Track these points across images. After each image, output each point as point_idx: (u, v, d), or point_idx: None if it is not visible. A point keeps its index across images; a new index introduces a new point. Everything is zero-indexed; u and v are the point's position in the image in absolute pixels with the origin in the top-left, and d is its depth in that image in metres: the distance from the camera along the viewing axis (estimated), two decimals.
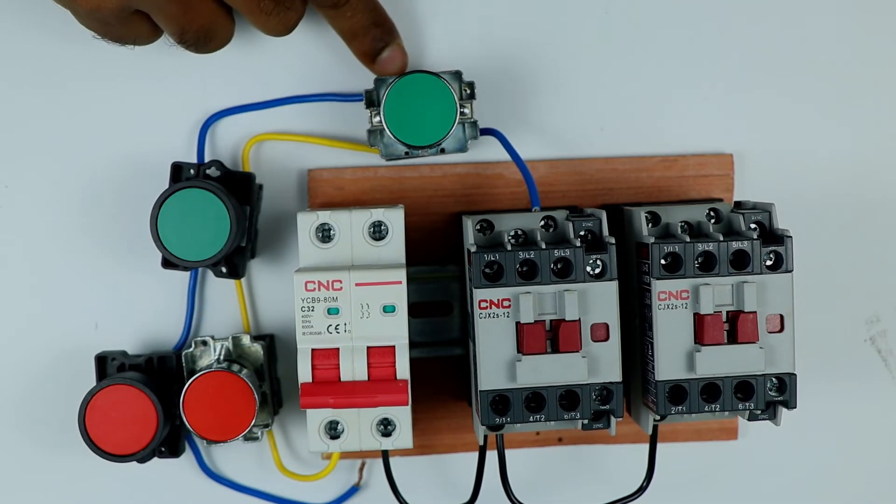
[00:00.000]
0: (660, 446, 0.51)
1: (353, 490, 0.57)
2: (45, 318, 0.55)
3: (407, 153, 0.50)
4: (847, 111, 0.57)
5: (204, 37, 0.49)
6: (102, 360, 0.54)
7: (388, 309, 0.48)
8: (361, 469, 0.57)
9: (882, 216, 0.58)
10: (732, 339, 0.48)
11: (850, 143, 0.57)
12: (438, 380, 0.56)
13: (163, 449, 0.54)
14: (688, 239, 0.48)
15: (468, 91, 0.51)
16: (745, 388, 0.48)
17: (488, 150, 0.55)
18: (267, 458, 0.56)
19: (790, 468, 0.59)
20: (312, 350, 0.48)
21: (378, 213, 0.50)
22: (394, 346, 0.48)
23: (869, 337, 0.59)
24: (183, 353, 0.53)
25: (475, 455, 0.51)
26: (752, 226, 0.49)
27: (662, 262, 0.48)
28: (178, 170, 0.52)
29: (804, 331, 0.50)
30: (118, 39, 0.49)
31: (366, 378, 0.48)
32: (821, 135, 0.57)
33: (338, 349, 0.48)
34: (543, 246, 0.47)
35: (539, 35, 0.55)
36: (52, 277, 0.55)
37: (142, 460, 0.52)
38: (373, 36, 0.52)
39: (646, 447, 0.51)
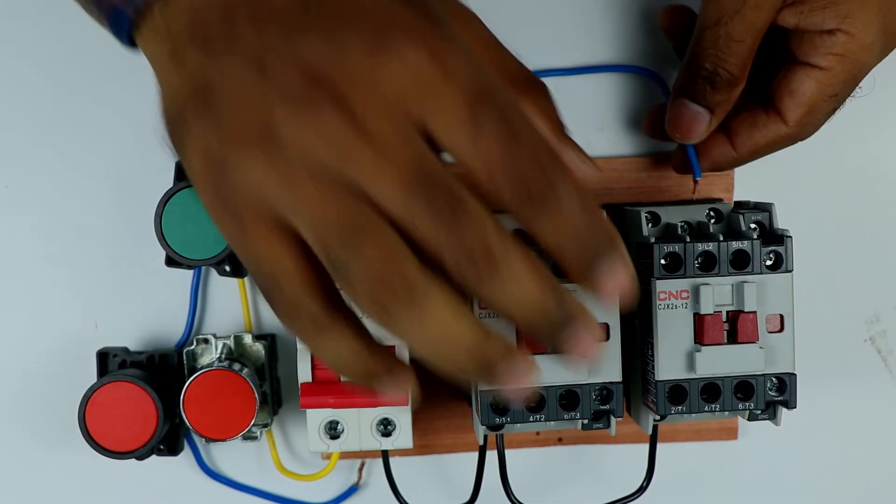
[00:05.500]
0: (660, 446, 0.51)
1: (353, 490, 0.57)
2: (47, 314, 0.55)
3: None
4: (847, 111, 0.57)
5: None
6: (104, 357, 0.54)
7: None
8: (361, 469, 0.57)
9: (882, 216, 0.58)
10: (732, 339, 0.48)
11: (849, 143, 0.57)
12: (438, 380, 0.55)
13: (162, 447, 0.54)
14: (688, 239, 0.48)
15: None
16: (745, 388, 0.48)
17: None
18: (266, 458, 0.56)
19: (790, 468, 0.59)
20: None
21: None
22: (394, 347, 0.48)
23: (869, 337, 0.59)
24: (184, 351, 0.53)
25: (475, 455, 0.51)
26: (753, 226, 0.49)
27: (663, 262, 0.48)
28: (183, 168, 0.52)
29: (804, 331, 0.50)
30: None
31: None
32: (821, 135, 0.57)
33: None
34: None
35: (539, 34, 0.55)
36: (55, 273, 0.55)
37: (140, 457, 0.52)
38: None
39: (646, 447, 0.51)
